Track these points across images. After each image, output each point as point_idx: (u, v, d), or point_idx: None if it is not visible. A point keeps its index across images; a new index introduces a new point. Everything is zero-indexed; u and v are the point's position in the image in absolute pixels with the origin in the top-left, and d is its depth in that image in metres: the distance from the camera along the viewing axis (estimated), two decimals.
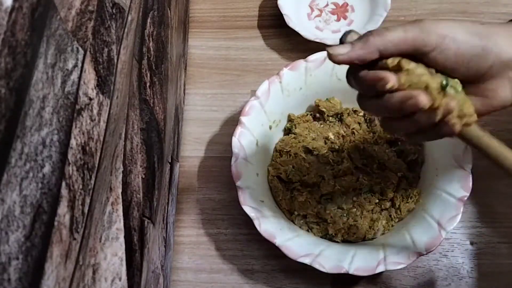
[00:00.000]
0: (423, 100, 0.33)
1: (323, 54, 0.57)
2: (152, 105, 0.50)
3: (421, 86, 0.34)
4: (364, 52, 0.34)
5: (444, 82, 0.34)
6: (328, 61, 0.57)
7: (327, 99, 0.60)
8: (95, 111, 0.34)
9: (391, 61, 0.34)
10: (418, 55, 0.35)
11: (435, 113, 0.34)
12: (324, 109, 0.60)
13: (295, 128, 0.60)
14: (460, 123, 0.35)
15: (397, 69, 0.34)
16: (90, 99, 0.34)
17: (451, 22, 0.35)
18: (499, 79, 0.35)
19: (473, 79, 0.36)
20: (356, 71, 0.36)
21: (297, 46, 0.69)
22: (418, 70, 0.34)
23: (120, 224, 0.39)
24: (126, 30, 0.42)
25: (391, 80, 0.33)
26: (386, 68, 0.34)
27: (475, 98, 0.36)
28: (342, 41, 0.36)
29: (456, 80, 0.35)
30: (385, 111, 0.35)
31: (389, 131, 0.38)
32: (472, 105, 0.35)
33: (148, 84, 0.49)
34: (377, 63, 0.35)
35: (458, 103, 0.34)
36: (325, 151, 0.58)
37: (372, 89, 0.35)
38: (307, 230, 0.55)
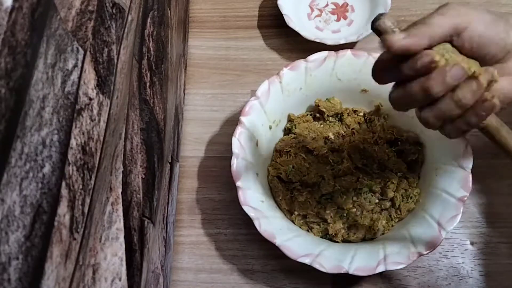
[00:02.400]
0: (463, 67, 0.34)
1: (323, 54, 0.57)
2: (152, 105, 0.50)
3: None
4: (419, 40, 0.34)
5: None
6: (328, 61, 0.58)
7: (327, 99, 0.60)
8: (95, 111, 0.34)
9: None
10: (455, 36, 0.35)
11: (479, 82, 0.34)
12: (324, 109, 0.60)
13: (295, 128, 0.60)
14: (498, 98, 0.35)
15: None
16: (90, 99, 0.34)
17: (473, 6, 0.37)
18: None
19: (499, 57, 0.37)
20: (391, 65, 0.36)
21: (297, 46, 0.69)
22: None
23: (120, 224, 0.39)
24: (126, 30, 0.42)
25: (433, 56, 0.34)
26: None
27: (502, 78, 0.37)
28: (376, 22, 0.35)
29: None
30: (425, 91, 0.35)
31: (427, 121, 0.37)
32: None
33: (148, 84, 0.49)
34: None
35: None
36: (325, 151, 0.58)
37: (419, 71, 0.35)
38: (307, 230, 0.55)
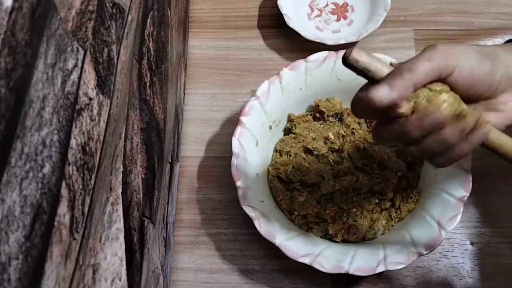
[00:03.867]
0: (445, 109, 0.33)
1: (323, 54, 0.57)
2: (152, 105, 0.50)
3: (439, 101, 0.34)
4: (404, 91, 0.34)
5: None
6: (328, 61, 0.58)
7: (327, 99, 0.60)
8: (95, 111, 0.34)
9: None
10: (440, 80, 0.35)
11: (464, 120, 0.34)
12: (324, 109, 0.60)
13: (295, 128, 0.60)
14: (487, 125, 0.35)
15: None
16: (90, 99, 0.34)
17: (461, 45, 0.37)
18: (510, 92, 0.38)
19: (486, 95, 0.38)
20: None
21: (297, 46, 0.69)
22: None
23: (120, 224, 0.39)
24: (126, 30, 0.42)
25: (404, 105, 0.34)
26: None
27: (491, 114, 0.38)
28: (347, 57, 0.34)
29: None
30: (406, 134, 0.35)
31: (416, 159, 0.37)
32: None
33: (148, 84, 0.49)
34: None
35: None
36: (325, 151, 0.58)
37: (385, 113, 0.34)
38: (307, 230, 0.55)
